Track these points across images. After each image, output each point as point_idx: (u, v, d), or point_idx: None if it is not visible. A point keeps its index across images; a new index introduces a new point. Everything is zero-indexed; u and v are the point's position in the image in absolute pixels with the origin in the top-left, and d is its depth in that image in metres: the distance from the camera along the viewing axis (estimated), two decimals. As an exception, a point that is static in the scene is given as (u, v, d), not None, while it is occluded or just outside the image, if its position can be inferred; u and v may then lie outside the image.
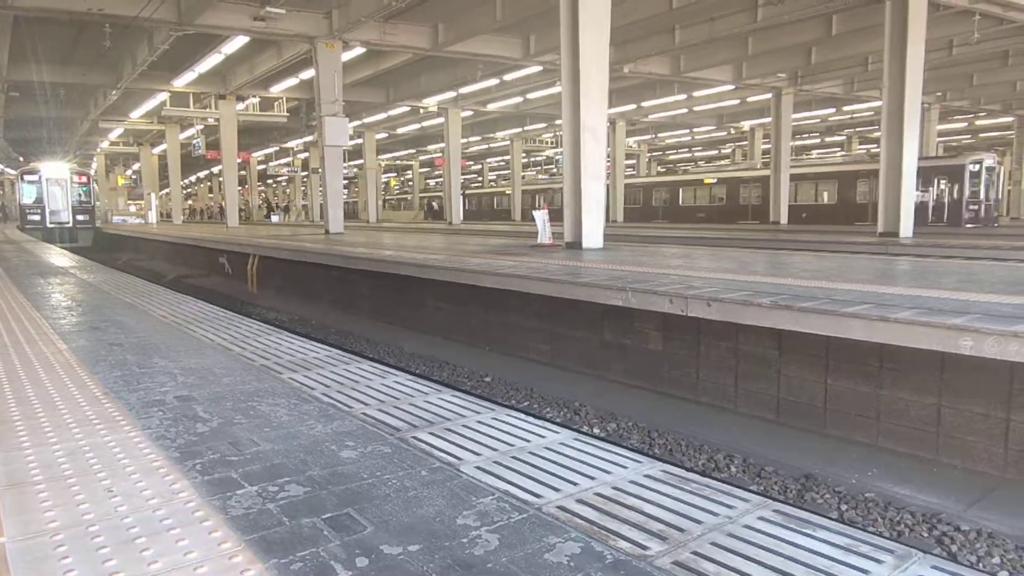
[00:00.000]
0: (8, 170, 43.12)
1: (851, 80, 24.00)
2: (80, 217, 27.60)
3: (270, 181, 61.26)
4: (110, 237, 28.18)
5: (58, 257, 12.87)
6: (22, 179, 27.67)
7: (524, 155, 41.01)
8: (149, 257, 23.31)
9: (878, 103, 16.49)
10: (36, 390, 3.32)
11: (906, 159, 14.27)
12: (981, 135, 39.84)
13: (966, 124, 35.88)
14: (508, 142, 38.51)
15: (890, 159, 14.49)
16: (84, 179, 28.46)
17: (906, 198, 14.46)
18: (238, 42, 17.86)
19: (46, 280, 8.44)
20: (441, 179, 41.74)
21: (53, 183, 27.09)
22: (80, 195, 27.72)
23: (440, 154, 33.33)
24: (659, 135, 40.16)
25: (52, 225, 26.73)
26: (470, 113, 30.05)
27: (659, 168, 50.65)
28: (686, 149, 49.39)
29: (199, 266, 18.33)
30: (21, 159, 38.99)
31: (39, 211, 26.81)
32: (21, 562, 1.74)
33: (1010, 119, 32.27)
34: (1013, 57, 21.18)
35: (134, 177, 44.18)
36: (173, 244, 20.96)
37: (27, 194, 27.01)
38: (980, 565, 3.59)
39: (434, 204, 50.01)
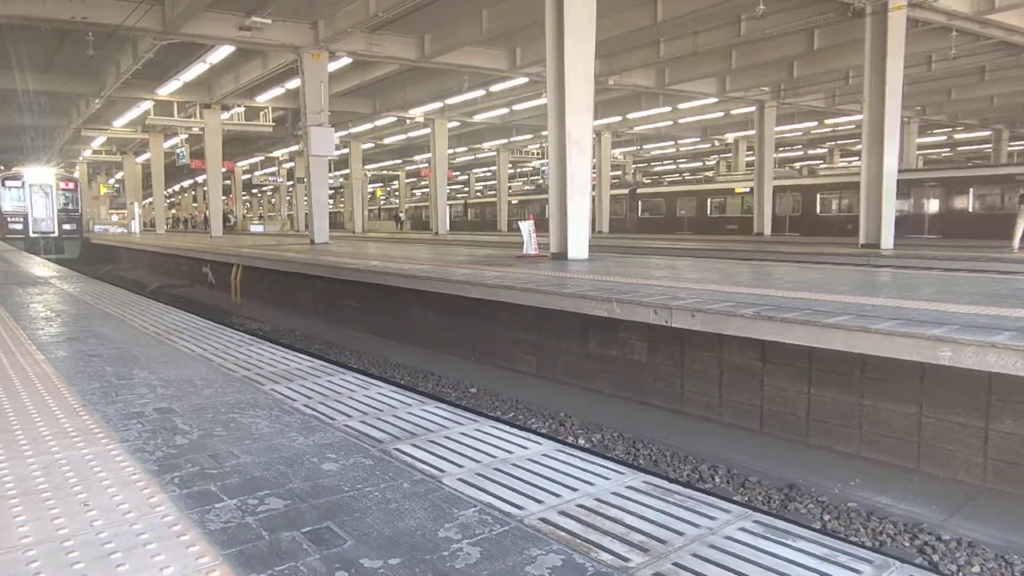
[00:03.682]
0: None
1: (833, 94, 24.37)
2: (67, 227, 26.27)
3: (255, 190, 61.00)
4: (91, 247, 27.67)
5: (39, 267, 12.70)
6: (3, 185, 26.13)
7: (510, 166, 41.12)
8: (131, 267, 23.06)
9: (859, 116, 16.71)
10: (11, 402, 3.27)
11: (886, 171, 14.47)
12: (959, 148, 40.55)
13: (945, 137, 36.50)
14: (494, 153, 38.63)
15: (871, 172, 14.68)
16: (71, 186, 26.98)
17: (886, 210, 14.64)
18: (223, 51, 17.82)
19: (24, 290, 8.32)
20: (427, 189, 41.75)
21: (37, 189, 25.80)
22: (66, 203, 26.35)
23: (426, 164, 33.36)
24: (644, 146, 40.46)
25: (36, 235, 25.52)
26: (456, 124, 30.10)
27: (644, 179, 51.00)
28: (671, 160, 49.78)
29: (182, 276, 18.17)
30: (1, 167, 38.52)
31: (21, 219, 25.58)
32: (-8, 579, 1.71)
33: (987, 133, 32.87)
34: (989, 73, 21.60)
35: (117, 186, 43.87)
36: (156, 254, 20.77)
37: (8, 201, 25.70)
38: (960, 574, 3.61)
39: (400, 215, 49.55)
